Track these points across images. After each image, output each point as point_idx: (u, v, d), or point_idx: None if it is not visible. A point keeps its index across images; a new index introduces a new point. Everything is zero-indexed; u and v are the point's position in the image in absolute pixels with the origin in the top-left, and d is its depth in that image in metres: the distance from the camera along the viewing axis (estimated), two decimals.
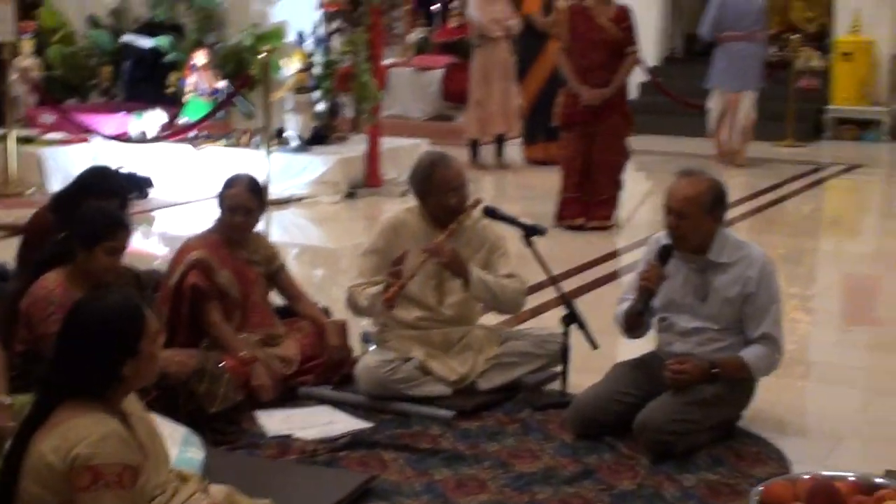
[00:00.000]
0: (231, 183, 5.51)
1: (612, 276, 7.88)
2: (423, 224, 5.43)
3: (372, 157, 10.94)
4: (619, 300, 5.13)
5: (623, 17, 9.17)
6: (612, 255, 8.56)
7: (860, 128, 14.53)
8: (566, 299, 5.39)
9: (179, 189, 10.56)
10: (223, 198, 5.48)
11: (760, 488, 3.59)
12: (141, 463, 3.40)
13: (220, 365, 5.04)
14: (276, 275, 5.65)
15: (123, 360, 3.40)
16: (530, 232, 5.45)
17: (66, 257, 4.83)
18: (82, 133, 11.30)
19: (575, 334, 5.34)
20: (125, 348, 3.40)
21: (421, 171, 5.41)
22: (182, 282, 5.30)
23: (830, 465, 4.61)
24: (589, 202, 9.30)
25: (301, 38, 11.37)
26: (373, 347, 5.56)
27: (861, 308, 7.45)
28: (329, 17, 11.33)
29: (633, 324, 4.97)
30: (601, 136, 9.18)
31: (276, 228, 9.32)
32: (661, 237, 4.99)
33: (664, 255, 4.84)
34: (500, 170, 12.32)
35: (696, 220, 4.77)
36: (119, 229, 4.82)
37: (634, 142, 14.07)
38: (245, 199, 5.44)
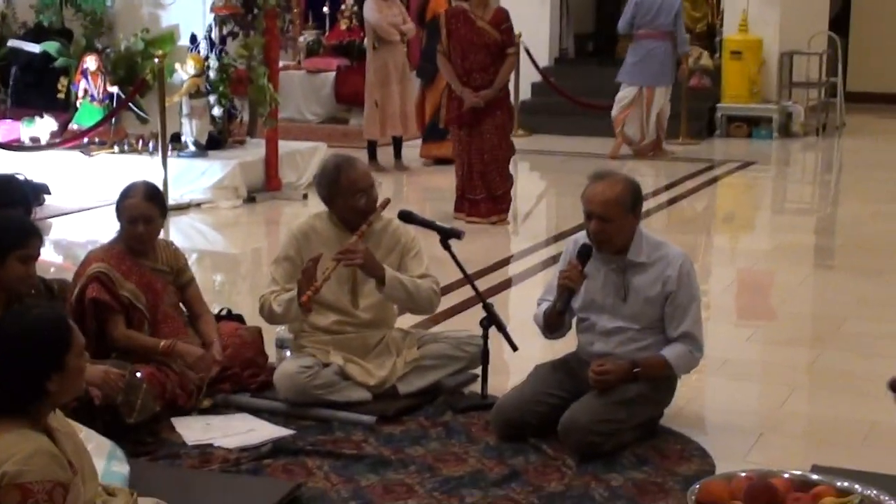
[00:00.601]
0: (127, 193, 5.32)
1: (522, 276, 7.92)
2: (334, 229, 5.39)
3: (270, 160, 10.84)
4: (538, 301, 5.13)
5: (502, 19, 9.34)
6: (522, 255, 8.59)
7: (751, 125, 14.76)
8: (485, 302, 5.39)
9: (74, 196, 10.35)
10: (121, 209, 5.31)
11: (697, 487, 3.61)
12: (70, 479, 3.33)
13: (138, 375, 4.93)
14: (184, 288, 5.53)
15: (49, 375, 3.32)
16: (447, 235, 5.44)
17: None
18: None
19: (494, 336, 5.34)
20: (51, 363, 3.33)
21: (327, 174, 5.36)
22: (82, 296, 5.18)
23: (753, 460, 4.67)
24: (479, 201, 9.50)
25: (194, 41, 11.22)
26: (289, 354, 5.51)
27: (762, 304, 7.55)
28: (221, 21, 11.19)
29: (554, 324, 4.98)
30: (487, 134, 9.39)
31: (176, 234, 9.18)
32: (580, 237, 5.00)
33: (584, 254, 4.85)
34: (399, 171, 12.31)
35: (619, 222, 4.78)
36: (31, 237, 4.69)
37: (528, 142, 14.40)
38: (144, 209, 5.28)
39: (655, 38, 12.90)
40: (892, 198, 11.07)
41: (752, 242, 9.66)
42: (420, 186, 11.77)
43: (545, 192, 12.31)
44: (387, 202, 5.39)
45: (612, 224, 4.79)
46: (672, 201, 10.81)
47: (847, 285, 7.78)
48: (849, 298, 7.39)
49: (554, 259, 8.17)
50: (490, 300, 5.67)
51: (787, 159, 13.77)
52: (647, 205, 10.24)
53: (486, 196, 9.48)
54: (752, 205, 11.61)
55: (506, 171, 9.59)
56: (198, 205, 10.31)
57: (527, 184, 12.41)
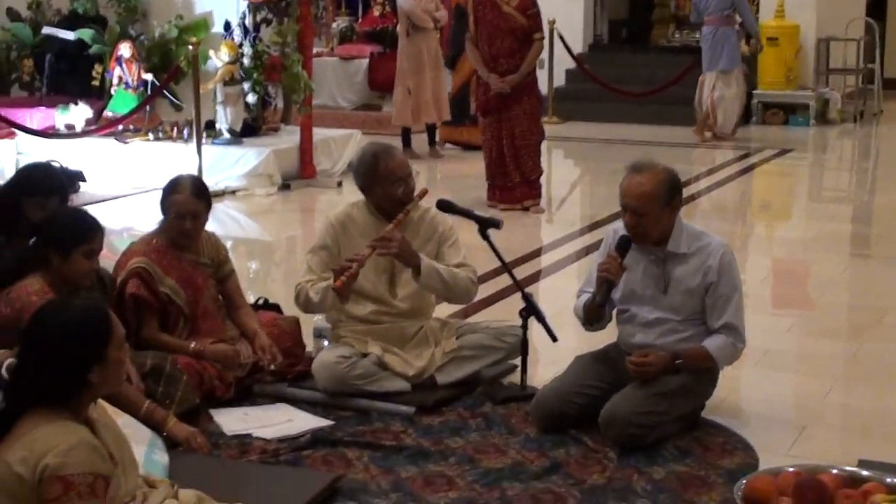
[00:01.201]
0: (174, 187, 5.27)
1: (556, 266, 7.88)
2: (371, 218, 5.36)
3: (305, 148, 10.83)
4: (578, 292, 5.09)
5: (529, 4, 9.33)
6: (556, 244, 8.57)
7: (787, 112, 14.66)
8: (524, 292, 5.35)
9: (109, 184, 10.36)
10: (168, 203, 5.25)
11: (743, 482, 3.57)
12: (111, 471, 3.31)
13: (178, 366, 4.92)
14: (223, 280, 5.50)
15: (90, 367, 3.31)
16: (486, 225, 5.39)
17: (39, 263, 4.70)
18: (5, 127, 11.04)
19: (533, 326, 5.31)
20: (92, 354, 3.31)
21: (365, 163, 5.33)
22: (122, 290, 5.15)
23: (796, 453, 4.62)
24: (513, 186, 9.51)
25: (228, 28, 11.21)
26: (327, 343, 5.49)
27: (801, 294, 7.49)
28: (255, 8, 11.19)
29: (594, 316, 4.94)
30: (516, 120, 9.41)
31: (211, 222, 8.95)
32: (619, 227, 4.96)
33: (623, 246, 4.80)
34: (434, 158, 12.30)
35: (655, 216, 4.73)
36: (95, 231, 4.72)
37: (562, 129, 14.36)
38: (192, 205, 5.22)
39: (712, 24, 13.13)
40: None
41: (790, 231, 9.59)
42: (454, 174, 11.73)
43: (579, 179, 12.28)
44: (424, 192, 5.36)
45: (647, 218, 4.74)
46: (709, 189, 10.75)
47: (887, 275, 7.71)
48: (889, 288, 7.33)
49: (589, 249, 8.16)
50: (528, 290, 5.62)
51: (825, 146, 13.68)
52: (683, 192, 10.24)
53: (520, 181, 9.51)
54: (789, 193, 11.54)
55: (538, 157, 9.61)
56: (232, 192, 10.32)
57: (561, 171, 12.40)
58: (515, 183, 9.51)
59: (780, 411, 5.19)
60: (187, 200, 5.21)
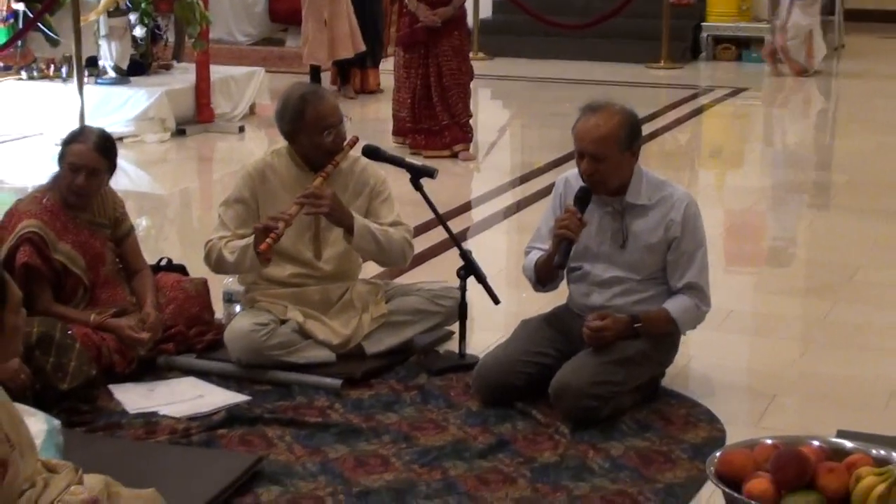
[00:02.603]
0: (77, 136, 5.19)
1: (490, 220, 7.93)
2: (294, 168, 5.35)
3: (201, 88, 10.75)
4: (526, 249, 5.13)
5: None
6: (488, 196, 8.61)
7: (740, 47, 14.78)
8: (462, 249, 5.38)
9: None
10: (65, 153, 5.17)
11: (716, 456, 3.63)
12: (8, 454, 3.29)
13: (69, 332, 4.86)
14: (120, 241, 5.45)
15: None
16: (419, 174, 5.41)
17: None
18: None
19: (472, 287, 5.34)
20: None
21: (290, 107, 5.30)
22: (12, 258, 5.07)
23: (767, 425, 4.70)
24: (440, 130, 9.57)
25: None
26: (238, 309, 5.48)
27: (764, 250, 7.60)
28: None
29: (548, 276, 4.98)
30: (444, 57, 9.49)
31: None
32: (571, 176, 4.99)
33: (583, 198, 4.83)
34: (347, 100, 12.17)
35: (614, 161, 4.77)
36: None
37: (489, 66, 14.37)
38: (91, 159, 5.12)
39: None
40: None
41: (745, 179, 9.69)
42: (369, 118, 11.70)
43: (510, 123, 12.29)
44: (355, 140, 5.35)
45: (606, 163, 4.77)
46: (653, 135, 10.81)
47: (856, 227, 7.83)
48: (858, 243, 7.44)
49: (524, 201, 8.22)
50: (464, 246, 5.63)
51: (782, 85, 13.81)
52: None
53: (449, 123, 9.56)
54: (743, 137, 11.65)
55: (468, 98, 9.68)
56: (120, 139, 10.15)
57: (489, 114, 12.40)
58: (443, 126, 9.56)
59: (747, 379, 5.29)
60: (86, 153, 5.14)
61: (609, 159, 4.76)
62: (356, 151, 5.42)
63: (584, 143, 4.78)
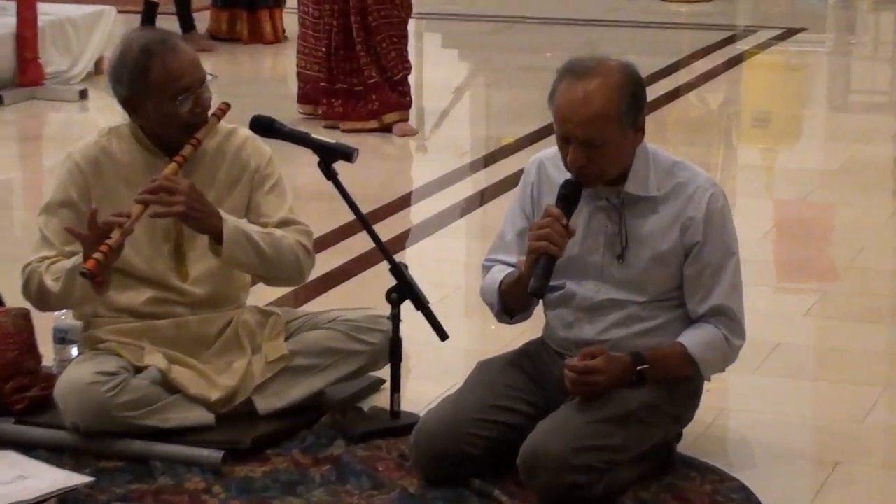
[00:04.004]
0: None
1: (438, 220, 7.94)
2: (141, 152, 5.36)
3: (25, 37, 10.73)
4: (484, 264, 5.13)
5: None
6: (436, 185, 8.63)
7: None
8: (394, 263, 5.39)
9: None
10: None
11: None
12: None
13: None
14: None
15: None
16: (331, 155, 5.41)
17: None
18: None
19: (409, 316, 5.38)
20: None
21: (130, 63, 5.27)
22: None
23: None
24: (365, 91, 9.66)
25: None
26: (75, 352, 5.51)
27: (824, 259, 7.64)
28: None
29: (517, 304, 4.99)
30: None
31: None
32: (548, 157, 4.99)
33: (570, 197, 4.81)
34: (204, 52, 12.11)
35: (614, 146, 4.76)
36: None
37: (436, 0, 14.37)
38: None
39: None
40: None
41: (803, 159, 9.74)
42: (249, 78, 11.71)
43: (467, 82, 12.29)
44: (226, 108, 5.35)
45: (602, 150, 4.75)
46: (670, 96, 10.88)
47: None
48: None
49: (488, 192, 8.26)
50: (399, 259, 5.66)
51: (852, 24, 13.89)
52: None
53: (378, 81, 9.61)
54: (798, 99, 11.71)
55: (404, 44, 9.79)
56: None
57: (437, 69, 12.41)
58: (370, 86, 9.60)
59: (798, 440, 5.33)
60: None
61: (608, 144, 4.74)
62: (230, 121, 5.43)
63: (571, 126, 4.74)
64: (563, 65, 4.85)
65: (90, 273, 4.96)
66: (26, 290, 5.29)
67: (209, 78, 5.41)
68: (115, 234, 5.01)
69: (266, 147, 5.46)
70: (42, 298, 5.27)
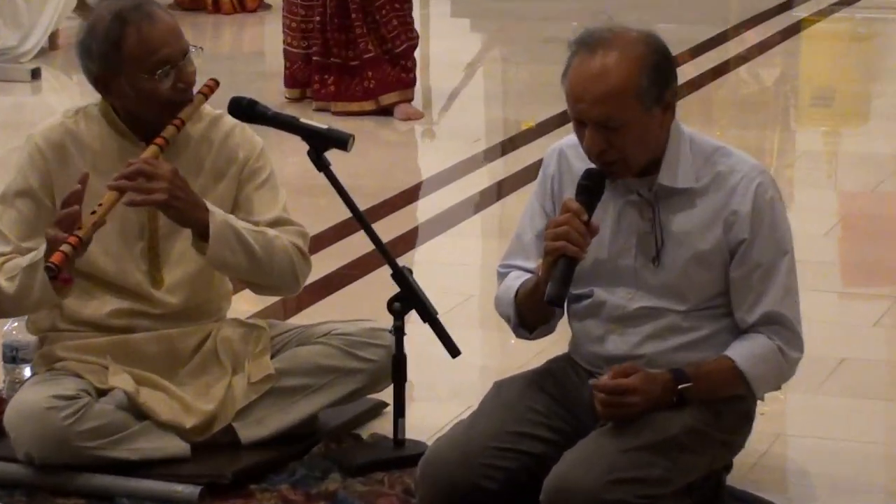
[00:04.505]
0: None
1: (448, 217, 7.94)
2: (113, 137, 5.36)
3: None
4: (499, 269, 5.11)
5: None
6: (445, 177, 8.63)
7: None
8: (397, 267, 5.39)
9: None
10: None
11: None
12: None
13: None
14: None
15: None
16: (324, 142, 5.41)
17: None
18: None
19: (414, 329, 5.39)
20: None
21: (100, 33, 5.25)
22: None
23: None
24: (361, 66, 9.71)
25: None
26: (29, 373, 5.51)
27: (891, 259, 7.62)
28: None
29: (536, 315, 4.96)
30: None
31: None
32: (569, 150, 4.96)
33: (591, 189, 4.79)
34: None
35: (637, 127, 4.72)
36: None
37: None
38: None
39: None
40: None
41: (872, 144, 9.73)
42: (252, 51, 11.73)
43: (480, 57, 12.31)
44: (214, 84, 5.35)
45: (623, 133, 4.70)
46: (716, 72, 10.88)
47: None
48: None
49: (505, 184, 8.25)
50: (403, 263, 5.66)
51: None
52: None
53: (377, 55, 9.65)
54: (867, 74, 11.70)
55: (408, 10, 9.83)
56: None
57: (446, 42, 12.42)
58: (366, 61, 9.63)
59: (866, 470, 5.31)
60: None
61: (628, 125, 4.71)
62: (217, 105, 5.44)
63: (585, 105, 4.72)
64: (575, 37, 4.82)
65: (56, 267, 4.91)
66: None
67: (193, 49, 5.38)
68: (86, 225, 4.98)
69: (257, 137, 5.46)
70: None
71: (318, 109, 9.46)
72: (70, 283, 5.07)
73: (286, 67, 9.89)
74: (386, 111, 9.58)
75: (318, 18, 9.65)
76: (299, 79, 9.84)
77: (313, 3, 9.66)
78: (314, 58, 9.69)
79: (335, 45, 9.61)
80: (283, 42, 9.92)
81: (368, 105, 9.57)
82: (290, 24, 9.82)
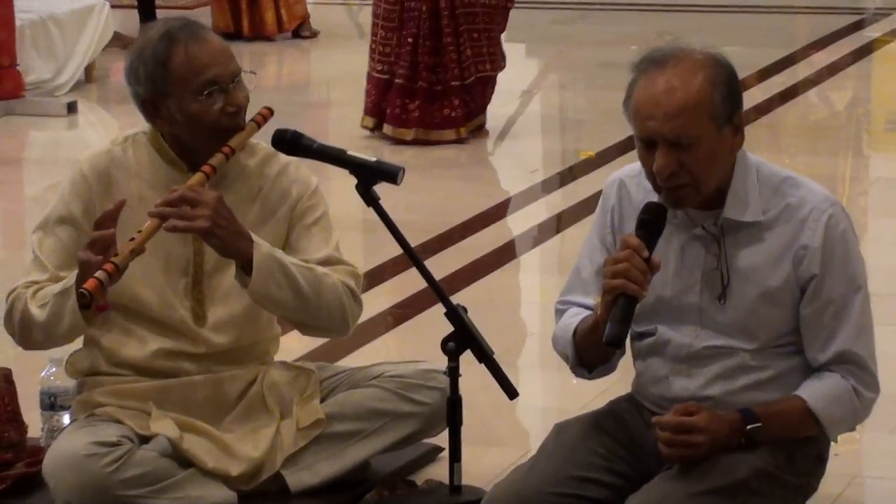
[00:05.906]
0: None
1: (511, 250, 7.94)
2: (161, 165, 5.39)
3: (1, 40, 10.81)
4: (557, 307, 5.12)
5: None
6: (508, 206, 8.63)
7: None
8: (451, 307, 5.39)
9: None
10: None
11: None
12: None
13: None
14: None
15: None
16: (373, 176, 5.42)
17: None
18: None
19: (470, 371, 5.39)
20: None
21: (148, 54, 5.29)
22: None
23: None
24: (448, 92, 9.81)
25: None
26: (68, 419, 5.52)
27: None
28: None
29: (595, 355, 4.95)
30: None
31: None
32: (630, 181, 4.95)
33: (652, 223, 4.77)
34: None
35: (708, 146, 4.71)
36: None
37: None
38: None
39: None
40: None
41: None
42: (288, 82, 11.75)
43: (536, 82, 12.31)
44: (268, 113, 5.37)
45: (694, 151, 4.68)
46: (784, 96, 10.85)
47: None
48: None
49: (567, 214, 8.24)
50: (457, 301, 5.66)
51: None
52: None
53: (466, 82, 9.75)
54: None
55: (486, 38, 9.94)
56: None
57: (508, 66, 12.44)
58: (453, 88, 9.72)
59: None
60: None
61: (700, 143, 4.69)
62: (266, 137, 5.45)
63: (656, 123, 4.69)
64: (639, 57, 4.80)
65: (89, 294, 4.90)
66: (8, 320, 5.28)
67: (244, 74, 5.38)
68: (123, 252, 4.98)
69: (311, 175, 5.47)
70: (25, 329, 5.26)
71: (397, 137, 9.59)
72: (105, 309, 5.07)
73: (369, 94, 9.91)
74: (461, 138, 9.68)
75: (410, 41, 9.69)
76: (377, 107, 9.85)
77: (407, 24, 9.68)
78: (396, 80, 9.72)
79: (423, 70, 9.64)
80: (369, 65, 9.97)
81: (451, 133, 9.58)
82: (376, 48, 9.93)
